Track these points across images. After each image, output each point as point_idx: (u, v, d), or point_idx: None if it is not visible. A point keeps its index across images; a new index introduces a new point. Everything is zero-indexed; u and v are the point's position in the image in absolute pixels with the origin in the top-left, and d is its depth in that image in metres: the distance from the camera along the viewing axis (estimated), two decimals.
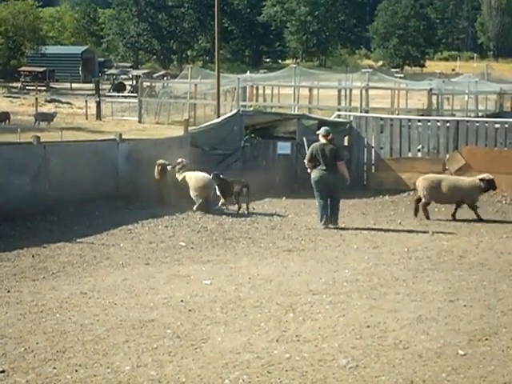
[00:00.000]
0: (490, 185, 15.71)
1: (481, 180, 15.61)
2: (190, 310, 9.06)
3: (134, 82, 59.74)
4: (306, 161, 15.08)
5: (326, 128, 15.58)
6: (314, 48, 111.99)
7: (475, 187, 15.65)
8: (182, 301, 9.46)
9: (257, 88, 40.88)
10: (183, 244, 13.15)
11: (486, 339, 8.03)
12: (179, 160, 16.32)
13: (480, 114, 36.04)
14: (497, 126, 18.81)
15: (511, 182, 17.68)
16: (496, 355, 7.55)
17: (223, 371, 7.16)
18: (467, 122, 19.56)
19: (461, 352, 7.64)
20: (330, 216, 15.02)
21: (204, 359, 7.47)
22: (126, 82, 62.93)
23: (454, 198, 15.73)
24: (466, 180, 15.94)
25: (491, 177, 15.66)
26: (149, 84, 45.51)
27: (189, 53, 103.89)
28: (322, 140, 15.08)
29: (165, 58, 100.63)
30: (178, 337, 8.12)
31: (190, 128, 19.54)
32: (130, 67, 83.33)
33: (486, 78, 46.78)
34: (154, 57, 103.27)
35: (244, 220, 15.49)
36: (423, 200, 15.79)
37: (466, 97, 39.37)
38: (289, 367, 7.24)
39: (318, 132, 15.56)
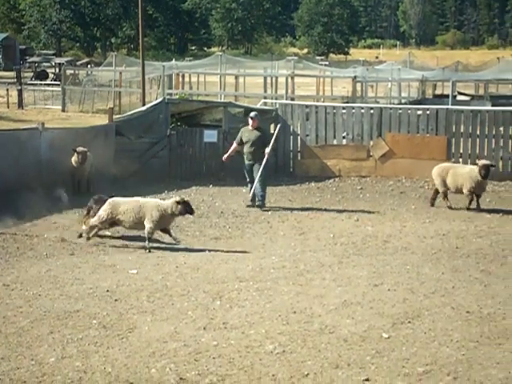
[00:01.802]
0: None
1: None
2: (116, 300, 8.99)
3: (57, 69, 58.64)
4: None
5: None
6: (240, 36, 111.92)
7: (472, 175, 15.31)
8: (107, 291, 9.37)
9: (183, 76, 40.64)
10: (109, 233, 13.01)
11: (409, 322, 8.19)
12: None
13: (403, 100, 36.58)
14: (419, 112, 19.12)
15: (433, 168, 17.99)
16: (418, 337, 7.71)
17: (150, 360, 7.14)
18: (390, 108, 19.82)
19: (385, 335, 7.77)
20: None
21: (130, 349, 7.43)
22: (48, 70, 61.68)
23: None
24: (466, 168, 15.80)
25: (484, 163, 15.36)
26: (72, 72, 44.71)
27: (113, 40, 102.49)
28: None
29: (88, 45, 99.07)
30: (104, 327, 8.05)
31: (114, 116, 19.30)
32: (53, 55, 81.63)
33: (409, 66, 47.38)
34: (78, 44, 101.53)
35: None
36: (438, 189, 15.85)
37: (390, 84, 39.89)
38: (216, 354, 7.26)
39: (252, 115, 15.97)
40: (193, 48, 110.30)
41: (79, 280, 9.91)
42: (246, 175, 15.97)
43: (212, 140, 19.05)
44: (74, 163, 16.18)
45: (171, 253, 11.78)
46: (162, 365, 7.02)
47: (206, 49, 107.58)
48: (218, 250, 11.96)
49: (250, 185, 15.91)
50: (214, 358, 7.18)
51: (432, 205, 15.75)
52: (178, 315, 8.45)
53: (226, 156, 16.19)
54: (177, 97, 30.57)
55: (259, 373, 6.84)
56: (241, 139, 15.96)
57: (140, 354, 7.27)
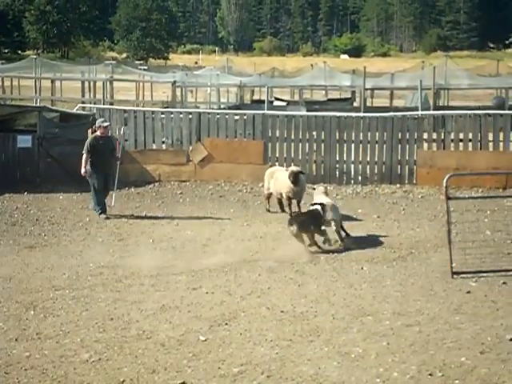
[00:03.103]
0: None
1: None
2: None
3: None
4: None
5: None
6: (56, 39, 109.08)
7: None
8: None
9: None
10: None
11: (226, 324, 8.31)
12: None
13: (222, 106, 37.08)
14: (236, 117, 19.46)
15: (251, 172, 18.38)
16: (235, 339, 7.84)
17: None
18: (209, 113, 20.03)
19: (202, 338, 7.85)
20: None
21: None
22: None
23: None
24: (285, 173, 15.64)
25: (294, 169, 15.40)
26: None
27: None
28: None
29: None
30: None
31: None
32: None
33: (227, 72, 48.11)
34: None
35: None
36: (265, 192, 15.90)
37: (209, 89, 40.33)
38: (28, 366, 7.04)
39: (105, 124, 15.61)
40: (6, 51, 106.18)
41: None
42: (96, 185, 15.15)
43: (26, 145, 18.47)
44: None
45: None
46: None
47: (20, 52, 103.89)
48: (32, 259, 11.60)
49: (99, 195, 15.23)
50: (25, 369, 6.97)
51: (282, 210, 15.65)
52: None
53: (83, 170, 15.16)
54: None
55: (73, 382, 6.71)
56: (92, 148, 15.19)
57: None
